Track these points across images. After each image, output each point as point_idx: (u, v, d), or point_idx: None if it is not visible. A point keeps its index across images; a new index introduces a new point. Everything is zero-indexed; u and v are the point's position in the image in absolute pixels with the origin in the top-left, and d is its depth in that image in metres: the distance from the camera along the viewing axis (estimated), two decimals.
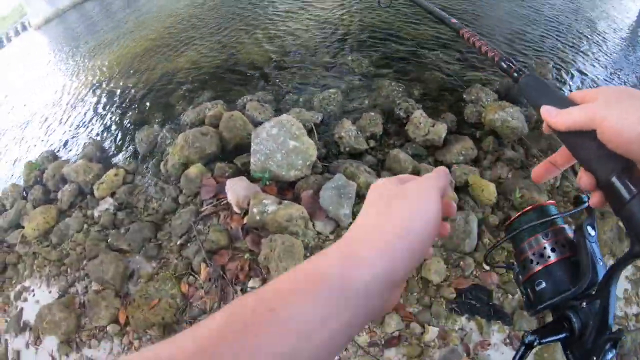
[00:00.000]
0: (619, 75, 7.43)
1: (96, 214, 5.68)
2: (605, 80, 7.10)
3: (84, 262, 5.17)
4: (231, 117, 5.65)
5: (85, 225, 5.67)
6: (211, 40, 9.67)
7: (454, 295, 4.06)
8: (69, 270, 5.27)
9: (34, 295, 5.31)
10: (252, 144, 5.06)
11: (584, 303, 0.70)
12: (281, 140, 4.92)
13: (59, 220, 5.88)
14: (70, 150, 7.66)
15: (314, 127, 5.82)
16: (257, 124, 5.96)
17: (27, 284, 5.46)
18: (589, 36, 8.68)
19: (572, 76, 7.14)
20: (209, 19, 10.98)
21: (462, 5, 9.62)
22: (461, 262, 4.25)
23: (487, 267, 4.23)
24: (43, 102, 10.26)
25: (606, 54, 8.10)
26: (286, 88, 7.09)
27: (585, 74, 7.15)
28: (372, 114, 5.89)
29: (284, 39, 8.85)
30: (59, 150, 7.75)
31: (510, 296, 4.07)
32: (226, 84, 7.69)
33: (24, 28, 20.55)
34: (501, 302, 4.03)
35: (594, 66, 7.52)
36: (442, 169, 0.78)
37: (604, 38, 8.77)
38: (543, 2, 9.91)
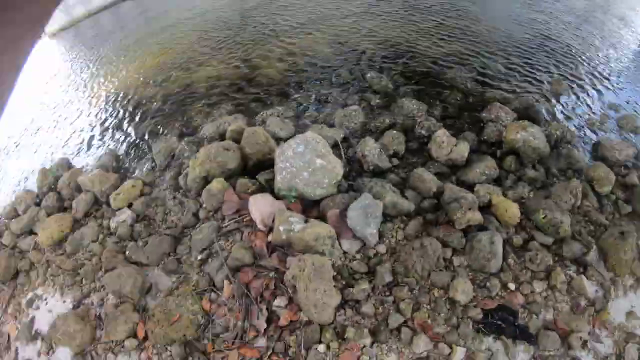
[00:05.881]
0: (632, 95, 7.46)
1: (113, 224, 5.62)
2: (621, 101, 7.12)
3: (100, 273, 5.13)
4: (254, 132, 5.63)
5: (101, 236, 5.63)
6: (229, 54, 9.67)
7: (481, 316, 4.05)
8: (83, 280, 5.22)
9: (46, 303, 5.25)
10: (277, 160, 5.04)
11: None
12: (308, 158, 4.90)
13: (74, 229, 5.83)
14: (86, 158, 7.59)
15: (339, 144, 5.82)
16: (278, 139, 5.98)
17: (39, 291, 5.41)
18: (602, 52, 8.75)
19: (589, 97, 7.16)
20: (226, 34, 10.98)
21: (478, 27, 9.69)
22: (487, 283, 4.26)
23: (513, 288, 4.22)
24: (59, 109, 10.24)
25: (622, 70, 8.16)
26: (306, 104, 7.10)
27: (602, 98, 7.17)
28: (394, 132, 5.91)
29: (302, 55, 8.87)
30: (74, 158, 7.69)
31: (535, 316, 4.07)
32: (245, 98, 7.69)
33: (39, 36, 20.76)
34: (526, 322, 4.04)
35: (608, 87, 7.54)
36: None
37: (620, 52, 8.85)
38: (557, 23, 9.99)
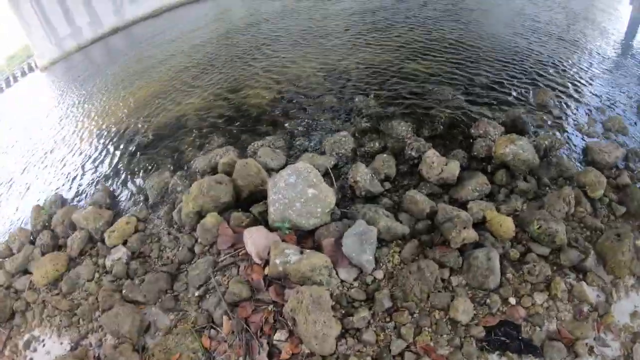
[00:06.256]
0: (617, 97, 7.58)
1: (108, 263, 5.60)
2: (605, 104, 7.22)
3: (97, 313, 5.09)
4: (245, 164, 5.67)
5: (97, 274, 5.60)
6: (218, 85, 9.81)
7: (484, 334, 4.03)
8: (81, 321, 5.17)
9: (44, 345, 5.18)
10: (269, 192, 5.07)
11: None
12: (300, 189, 4.92)
13: (69, 267, 5.80)
14: (79, 194, 7.62)
15: (330, 172, 5.86)
16: (270, 170, 6.02)
17: (36, 333, 5.35)
18: (583, 59, 8.90)
19: (574, 103, 7.26)
20: (214, 64, 11.17)
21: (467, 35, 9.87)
22: (487, 300, 4.24)
23: (514, 302, 4.22)
24: (50, 145, 10.32)
25: (603, 75, 8.30)
26: (296, 132, 7.16)
27: (587, 103, 7.27)
28: (385, 155, 5.96)
29: (290, 83, 8.99)
30: (67, 194, 7.72)
31: (538, 328, 4.05)
32: (235, 128, 7.77)
33: (31, 69, 20.69)
34: (530, 335, 4.01)
35: (592, 92, 7.66)
36: None
37: (600, 58, 9.01)
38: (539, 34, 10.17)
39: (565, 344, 3.91)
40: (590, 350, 3.90)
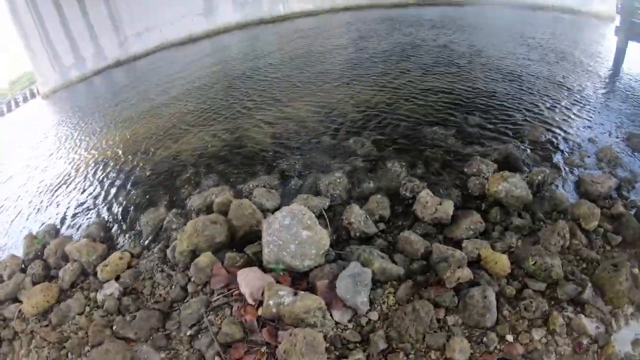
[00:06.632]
0: (607, 127, 7.72)
1: (100, 297, 5.54)
2: (596, 136, 7.34)
3: (87, 347, 4.97)
4: (240, 205, 5.74)
5: (88, 308, 5.51)
6: (215, 124, 9.97)
7: None
8: (69, 354, 5.04)
9: None
10: (264, 234, 5.11)
11: None
12: (294, 231, 4.97)
13: (60, 299, 5.71)
14: (73, 226, 7.56)
15: (324, 213, 5.92)
16: (264, 210, 6.08)
17: None
18: (576, 93, 9.12)
19: (566, 137, 7.38)
20: (211, 104, 11.39)
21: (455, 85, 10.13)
22: (484, 338, 4.19)
23: (511, 339, 4.18)
24: (47, 173, 10.35)
25: (593, 107, 8.49)
26: (291, 172, 7.23)
27: (578, 136, 7.40)
28: (379, 196, 6.03)
29: (284, 123, 9.15)
30: (61, 225, 7.67)
31: None
32: (230, 167, 7.85)
33: (33, 95, 20.82)
34: None
35: (583, 125, 7.81)
36: None
37: (590, 90, 9.23)
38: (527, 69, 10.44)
39: None
40: None
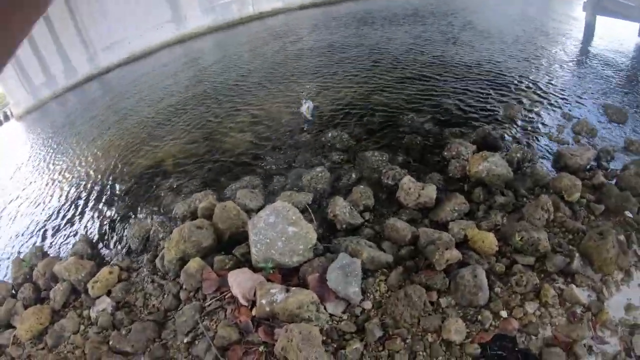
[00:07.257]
0: (582, 101, 7.85)
1: (93, 314, 5.45)
2: (572, 110, 7.45)
3: None
4: (224, 208, 5.69)
5: (82, 326, 5.42)
6: (191, 130, 9.90)
7: (479, 351, 3.98)
8: None
9: None
10: (250, 234, 5.07)
11: None
12: (280, 228, 4.95)
13: (53, 320, 5.60)
14: (60, 245, 7.48)
15: (308, 208, 5.91)
16: (249, 211, 6.04)
17: None
18: (549, 70, 9.25)
19: (542, 113, 7.48)
20: (186, 109, 11.31)
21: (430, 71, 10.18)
22: (478, 316, 4.22)
23: (505, 315, 4.21)
24: (25, 194, 10.23)
25: (567, 82, 8.63)
26: (272, 171, 7.22)
27: (554, 111, 7.50)
28: (362, 186, 6.04)
29: (263, 123, 9.13)
30: (47, 246, 7.57)
31: (534, 337, 4.04)
32: (212, 172, 7.81)
33: (6, 117, 20.55)
34: (527, 345, 3.99)
35: (558, 101, 7.91)
36: None
37: (562, 66, 9.37)
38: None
39: (564, 348, 3.90)
40: (590, 350, 3.91)
